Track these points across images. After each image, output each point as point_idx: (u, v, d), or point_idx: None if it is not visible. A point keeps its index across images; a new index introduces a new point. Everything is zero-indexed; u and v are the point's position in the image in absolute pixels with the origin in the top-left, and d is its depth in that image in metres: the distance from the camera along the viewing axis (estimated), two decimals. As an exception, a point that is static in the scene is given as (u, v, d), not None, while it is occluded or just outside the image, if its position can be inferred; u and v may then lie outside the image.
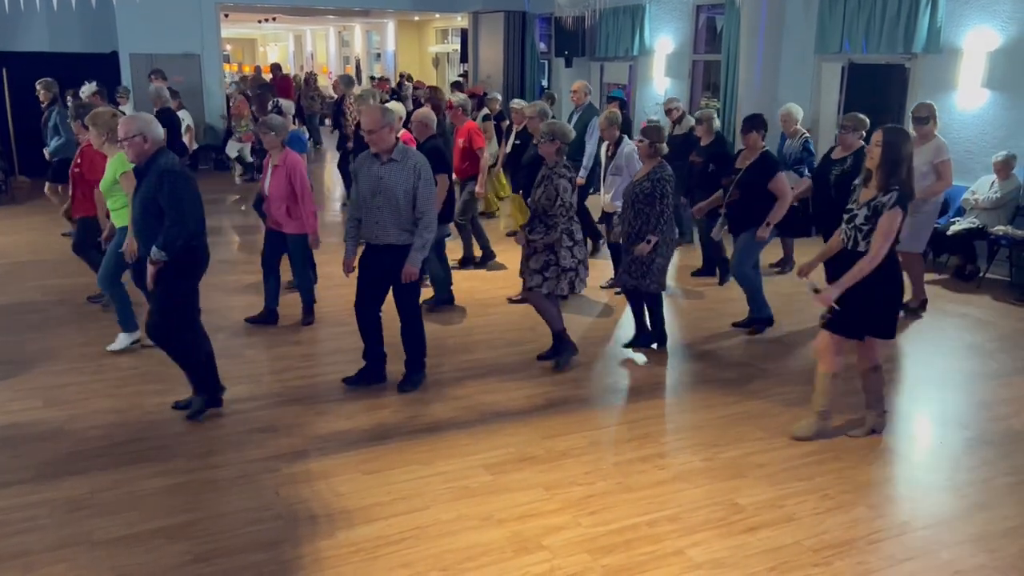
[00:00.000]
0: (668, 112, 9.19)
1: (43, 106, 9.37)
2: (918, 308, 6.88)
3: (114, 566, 3.41)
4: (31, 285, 7.45)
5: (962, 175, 8.48)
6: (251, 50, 37.24)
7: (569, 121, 8.76)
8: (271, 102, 8.61)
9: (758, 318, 6.36)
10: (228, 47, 31.49)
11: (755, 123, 6.15)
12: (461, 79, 18.10)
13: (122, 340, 5.83)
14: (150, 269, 4.46)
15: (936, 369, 5.86)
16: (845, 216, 4.36)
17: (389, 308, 5.12)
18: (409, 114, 8.48)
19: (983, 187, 7.91)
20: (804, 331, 6.43)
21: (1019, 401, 5.22)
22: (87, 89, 8.88)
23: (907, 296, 7.04)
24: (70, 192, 6.41)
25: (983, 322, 6.81)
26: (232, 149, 13.03)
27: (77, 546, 3.54)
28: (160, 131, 4.55)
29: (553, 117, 8.77)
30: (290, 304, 6.69)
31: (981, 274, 7.86)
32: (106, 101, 8.52)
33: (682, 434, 4.69)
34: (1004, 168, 7.72)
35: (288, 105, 7.27)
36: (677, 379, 5.54)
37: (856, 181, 4.49)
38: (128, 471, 4.18)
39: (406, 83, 18.44)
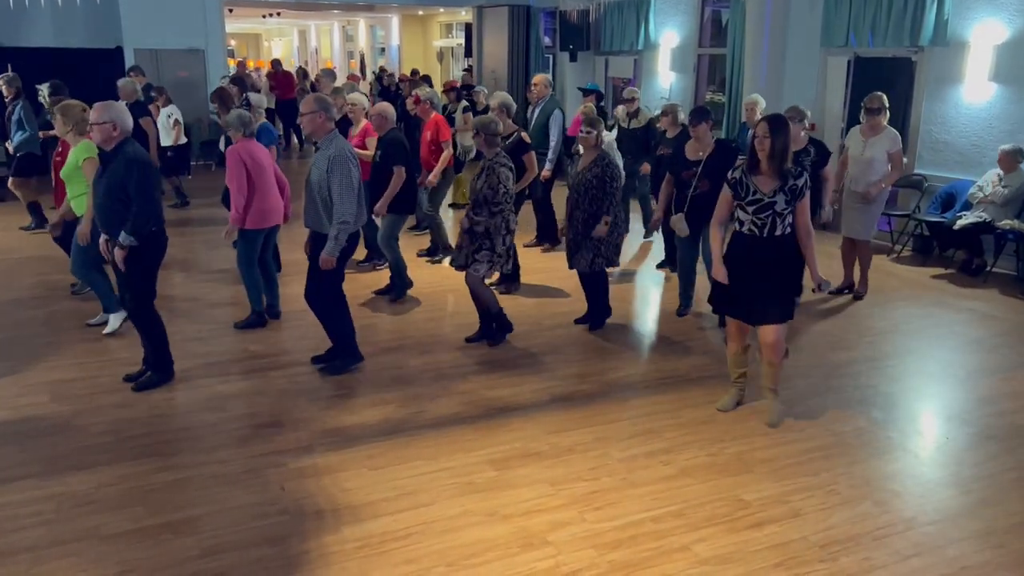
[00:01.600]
0: (627, 103, 9.19)
1: (7, 101, 9.38)
2: (861, 293, 7.18)
3: (120, 561, 3.43)
4: (35, 281, 7.46)
5: (968, 169, 8.46)
6: (255, 45, 37.25)
7: (531, 115, 8.83)
8: (242, 97, 8.56)
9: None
10: (232, 42, 31.52)
11: (704, 115, 6.21)
12: (466, 72, 18.09)
13: (113, 322, 5.99)
14: (119, 252, 4.78)
15: (940, 364, 5.84)
16: (751, 208, 4.46)
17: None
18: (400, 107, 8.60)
19: (989, 181, 7.87)
20: (805, 327, 6.42)
21: (1023, 396, 5.22)
22: (45, 91, 8.95)
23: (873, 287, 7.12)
24: (53, 183, 6.52)
25: (988, 316, 6.79)
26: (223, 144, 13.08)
27: (84, 541, 3.56)
28: (130, 122, 4.84)
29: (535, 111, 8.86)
30: (286, 301, 6.69)
31: (988, 268, 7.84)
32: (68, 98, 8.65)
33: (687, 429, 4.69)
34: (1009, 161, 7.68)
35: (258, 99, 7.18)
36: (682, 374, 5.53)
37: (733, 174, 4.56)
38: (134, 466, 4.19)
39: (386, 76, 18.38)
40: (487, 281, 5.89)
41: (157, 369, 5.15)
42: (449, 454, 4.36)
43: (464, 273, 5.81)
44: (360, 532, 3.65)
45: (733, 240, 4.64)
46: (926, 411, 5.13)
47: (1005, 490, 4.08)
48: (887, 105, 6.87)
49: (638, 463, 4.29)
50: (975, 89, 8.38)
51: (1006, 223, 7.54)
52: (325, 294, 5.21)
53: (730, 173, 4.61)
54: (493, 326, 5.98)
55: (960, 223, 7.81)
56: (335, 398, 5.05)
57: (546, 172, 8.45)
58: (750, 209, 4.47)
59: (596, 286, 6.28)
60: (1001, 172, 7.76)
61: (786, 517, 3.80)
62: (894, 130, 6.96)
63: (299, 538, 3.61)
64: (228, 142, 6.68)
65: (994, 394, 5.25)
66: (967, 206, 8.05)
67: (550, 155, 8.46)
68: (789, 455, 4.39)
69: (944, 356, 5.98)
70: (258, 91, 12.66)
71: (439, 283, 7.50)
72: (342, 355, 5.41)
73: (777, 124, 4.42)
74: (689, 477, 4.15)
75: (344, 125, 7.09)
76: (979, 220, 7.72)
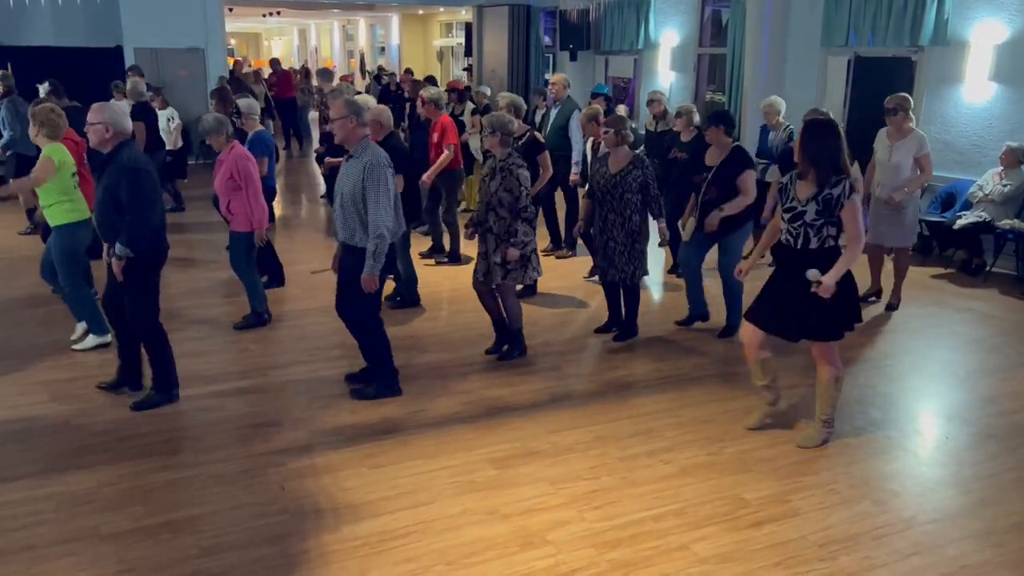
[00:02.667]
0: (649, 104, 9.08)
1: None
2: (894, 304, 6.89)
3: (120, 560, 3.43)
4: (35, 281, 7.43)
5: (969, 168, 8.46)
6: (256, 44, 37.27)
7: (547, 116, 8.61)
8: (233, 103, 8.50)
9: (733, 324, 6.15)
10: (232, 41, 31.53)
11: (715, 119, 5.94)
12: (466, 71, 18.08)
13: (89, 340, 5.79)
14: (115, 263, 4.57)
15: (940, 363, 5.84)
16: (787, 216, 4.23)
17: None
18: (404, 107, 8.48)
19: (989, 180, 7.88)
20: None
21: (1023, 396, 5.22)
22: (43, 89, 8.90)
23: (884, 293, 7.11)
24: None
25: (988, 316, 6.79)
26: None
27: (84, 540, 3.56)
28: (128, 124, 4.64)
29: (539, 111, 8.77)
30: (273, 302, 6.69)
31: (987, 268, 7.84)
32: (64, 98, 8.60)
33: (687, 429, 4.69)
34: (1011, 159, 7.68)
35: (249, 104, 7.04)
36: (682, 373, 5.53)
37: (783, 179, 4.39)
38: (134, 465, 4.19)
39: (386, 76, 18.28)
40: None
41: (160, 389, 4.88)
42: (449, 453, 4.36)
43: (471, 274, 5.68)
44: (360, 531, 3.65)
45: (775, 247, 4.44)
46: (926, 411, 5.13)
47: (1005, 490, 4.08)
48: (905, 105, 6.53)
49: (638, 462, 4.29)
50: (975, 89, 8.38)
51: (1006, 222, 7.55)
52: (361, 312, 4.89)
53: (783, 177, 4.39)
54: (504, 346, 5.81)
55: (960, 223, 7.81)
56: (335, 398, 5.05)
57: (574, 176, 8.18)
58: (785, 216, 4.25)
59: (634, 298, 6.09)
60: (1002, 170, 7.77)
61: (786, 516, 3.81)
62: (921, 132, 6.69)
63: (299, 537, 3.61)
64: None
65: (994, 394, 5.25)
66: (967, 206, 8.06)
67: (575, 157, 8.18)
68: (789, 455, 4.40)
69: (944, 356, 5.98)
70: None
71: (439, 283, 7.50)
72: (377, 382, 5.07)
73: (810, 127, 4.17)
74: (689, 476, 4.15)
75: None
76: (979, 220, 7.72)
